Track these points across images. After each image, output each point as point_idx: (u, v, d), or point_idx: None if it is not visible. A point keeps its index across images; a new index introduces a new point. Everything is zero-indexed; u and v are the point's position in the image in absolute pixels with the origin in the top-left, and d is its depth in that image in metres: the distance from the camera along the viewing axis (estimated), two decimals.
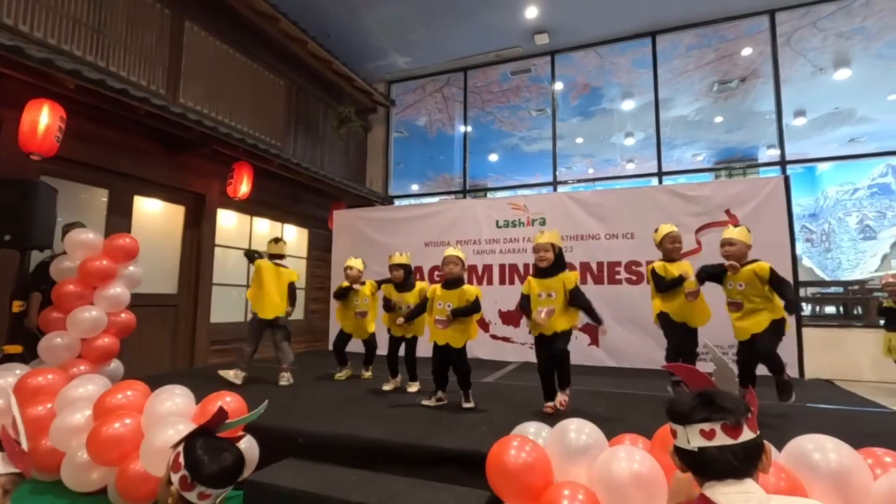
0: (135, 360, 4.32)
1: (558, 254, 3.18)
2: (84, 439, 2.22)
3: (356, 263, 4.29)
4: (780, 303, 3.00)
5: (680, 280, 3.35)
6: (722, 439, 1.01)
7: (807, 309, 7.84)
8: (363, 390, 3.83)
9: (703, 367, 4.64)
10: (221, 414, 1.66)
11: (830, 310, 8.04)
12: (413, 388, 3.83)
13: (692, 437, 1.04)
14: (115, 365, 3.64)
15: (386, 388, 3.87)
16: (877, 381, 4.92)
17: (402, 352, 3.94)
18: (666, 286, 3.42)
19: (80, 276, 3.41)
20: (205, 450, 1.55)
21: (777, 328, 3.02)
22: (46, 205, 3.42)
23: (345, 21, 6.93)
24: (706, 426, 1.02)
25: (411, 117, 9.20)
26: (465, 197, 8.18)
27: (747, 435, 1.02)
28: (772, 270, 2.99)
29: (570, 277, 3.11)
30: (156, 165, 4.87)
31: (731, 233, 3.20)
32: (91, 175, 4.42)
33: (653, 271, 3.49)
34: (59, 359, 3.26)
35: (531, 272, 3.32)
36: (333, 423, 2.82)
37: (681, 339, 3.45)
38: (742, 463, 1.00)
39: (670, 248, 3.55)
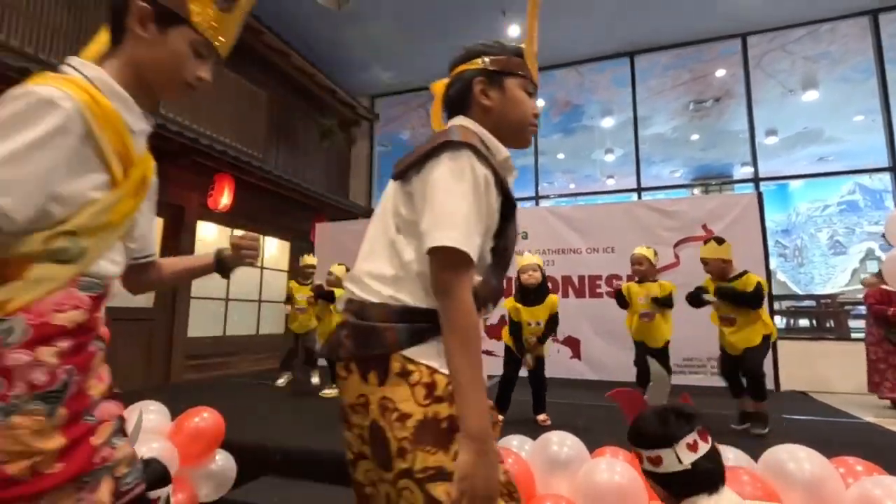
0: None
1: (544, 275, 3.24)
2: None
3: (337, 270, 4.46)
4: (769, 318, 3.03)
5: (619, 296, 3.67)
6: (703, 448, 1.00)
7: (781, 322, 8.03)
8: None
9: (694, 380, 4.71)
10: None
11: (804, 323, 8.25)
12: None
13: (682, 455, 0.99)
14: None
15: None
16: (847, 392, 5.04)
17: None
18: (618, 303, 3.75)
19: None
20: None
21: (766, 343, 3.00)
22: None
23: (329, 35, 6.97)
24: (690, 439, 1.00)
25: (395, 131, 9.25)
26: None
27: (709, 438, 1.02)
28: (757, 286, 2.93)
29: (554, 301, 3.21)
30: None
31: (702, 251, 3.21)
32: None
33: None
34: None
35: (514, 296, 3.32)
36: (312, 438, 2.77)
37: (640, 356, 3.63)
38: (722, 466, 1.00)
39: (633, 271, 3.70)
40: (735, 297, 2.98)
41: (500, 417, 2.98)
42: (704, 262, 3.15)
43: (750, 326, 2.97)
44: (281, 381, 4.72)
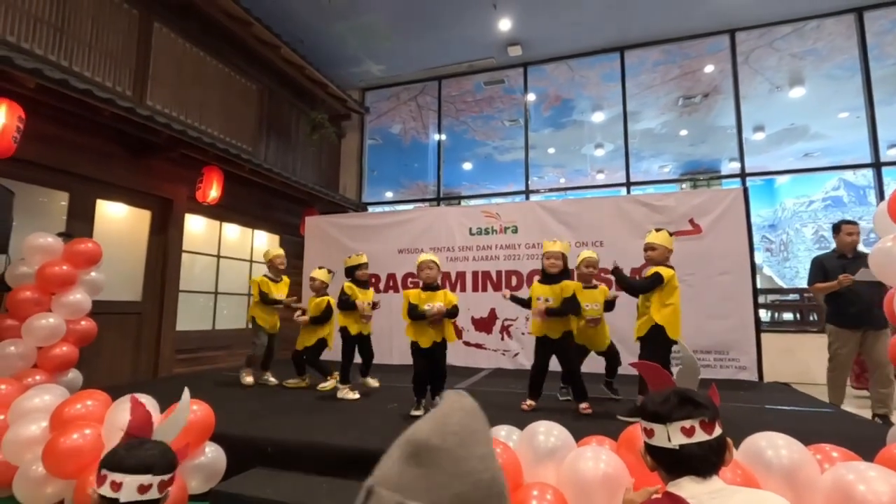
0: (95, 370, 4.16)
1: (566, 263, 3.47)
2: (39, 452, 2.13)
3: (319, 274, 4.18)
4: (664, 309, 3.01)
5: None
6: (700, 436, 1.03)
7: (766, 315, 8.17)
8: (333, 398, 3.79)
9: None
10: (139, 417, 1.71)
11: (788, 316, 8.39)
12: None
13: (673, 435, 1.05)
14: (74, 375, 3.50)
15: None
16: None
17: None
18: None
19: (37, 281, 3.28)
20: (121, 446, 1.55)
21: (657, 336, 3.01)
22: (2, 208, 3.29)
23: (319, 27, 6.91)
24: (687, 423, 1.04)
25: (385, 125, 9.22)
26: (438, 205, 8.21)
27: (718, 431, 1.06)
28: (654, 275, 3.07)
29: (569, 286, 3.33)
30: (120, 169, 4.73)
31: (652, 237, 3.22)
32: (50, 177, 4.26)
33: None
34: (13, 368, 3.12)
35: (538, 278, 3.56)
36: (303, 430, 2.79)
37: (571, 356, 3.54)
38: (718, 458, 1.04)
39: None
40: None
41: (533, 403, 3.05)
42: (652, 247, 3.20)
43: (642, 315, 3.16)
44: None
